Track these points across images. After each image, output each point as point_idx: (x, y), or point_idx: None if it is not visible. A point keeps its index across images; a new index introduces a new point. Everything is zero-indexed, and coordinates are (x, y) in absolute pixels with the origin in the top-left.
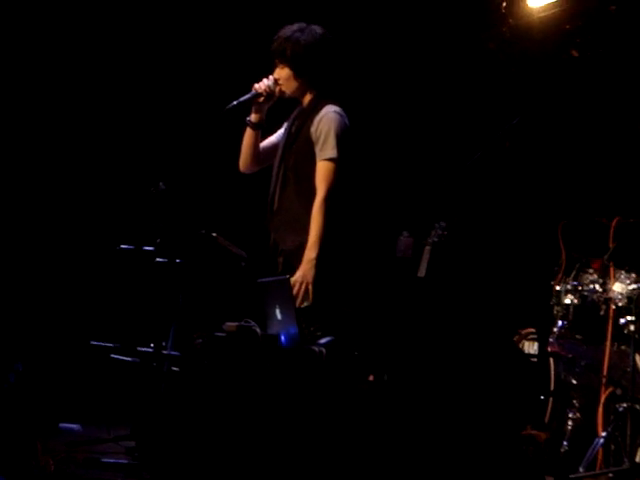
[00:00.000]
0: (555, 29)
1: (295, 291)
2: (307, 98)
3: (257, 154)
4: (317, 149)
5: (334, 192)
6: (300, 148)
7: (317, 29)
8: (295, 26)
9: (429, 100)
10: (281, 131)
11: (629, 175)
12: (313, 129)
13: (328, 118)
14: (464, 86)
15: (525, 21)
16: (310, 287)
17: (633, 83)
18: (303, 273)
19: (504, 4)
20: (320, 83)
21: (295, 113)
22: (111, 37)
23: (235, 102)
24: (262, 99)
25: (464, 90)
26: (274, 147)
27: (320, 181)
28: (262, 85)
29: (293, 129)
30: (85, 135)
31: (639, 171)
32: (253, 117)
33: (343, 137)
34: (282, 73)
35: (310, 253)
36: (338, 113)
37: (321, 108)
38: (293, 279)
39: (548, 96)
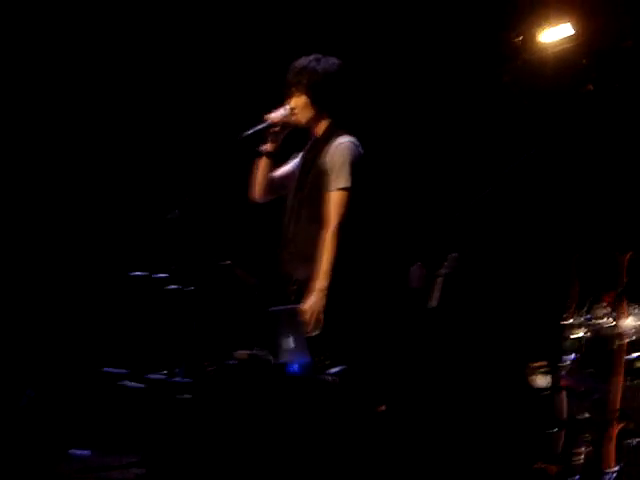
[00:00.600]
0: (569, 63)
1: (305, 320)
2: (321, 127)
3: (270, 183)
4: (330, 179)
5: (346, 222)
6: (314, 178)
7: (334, 59)
8: (311, 56)
9: (443, 132)
10: (295, 161)
11: None
12: (327, 159)
13: (342, 147)
14: (478, 118)
15: (539, 56)
16: (321, 316)
17: None
18: (313, 302)
19: (518, 39)
20: (335, 111)
21: (309, 144)
22: (125, 72)
23: (250, 131)
24: (277, 129)
25: (478, 122)
26: (287, 177)
27: (332, 210)
28: (277, 115)
29: (307, 160)
30: (101, 162)
31: None
32: (268, 146)
33: (357, 167)
34: (298, 102)
35: (320, 282)
36: (353, 143)
37: (335, 138)
38: (303, 308)
39: (562, 130)
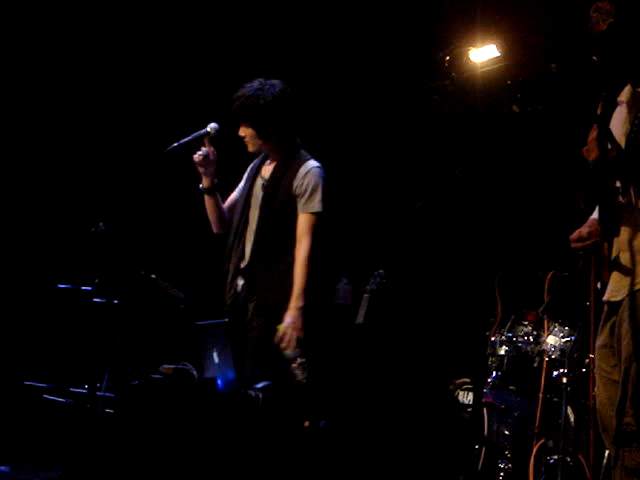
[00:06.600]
0: (497, 83)
1: (286, 338)
2: (276, 152)
3: (223, 214)
4: (301, 201)
5: (316, 245)
6: (283, 201)
7: (276, 83)
8: (255, 83)
9: (371, 149)
10: (241, 185)
11: (564, 229)
12: (297, 183)
13: (314, 172)
14: (407, 136)
15: (468, 75)
16: (300, 334)
17: (570, 139)
18: (292, 320)
19: (447, 58)
20: (284, 140)
21: (266, 167)
22: (49, 85)
23: (176, 144)
24: (206, 160)
25: (406, 140)
26: (236, 204)
27: (305, 233)
28: (208, 128)
29: (270, 183)
30: (25, 174)
31: (574, 225)
32: (204, 183)
33: (327, 192)
34: (247, 132)
35: (298, 302)
36: (321, 168)
37: (300, 161)
38: (282, 327)
39: (488, 149)
